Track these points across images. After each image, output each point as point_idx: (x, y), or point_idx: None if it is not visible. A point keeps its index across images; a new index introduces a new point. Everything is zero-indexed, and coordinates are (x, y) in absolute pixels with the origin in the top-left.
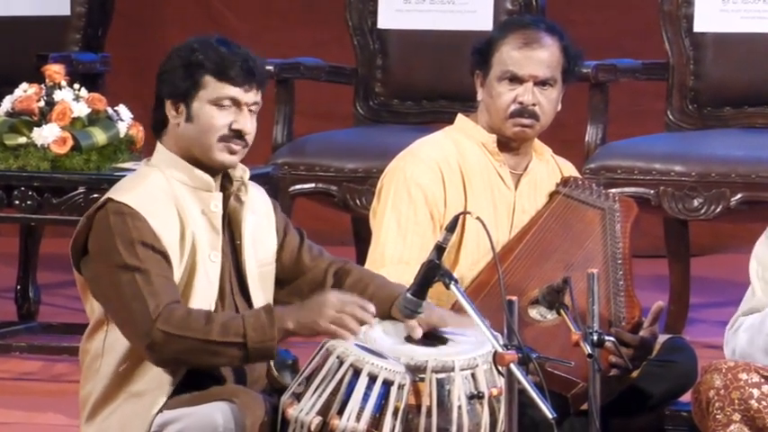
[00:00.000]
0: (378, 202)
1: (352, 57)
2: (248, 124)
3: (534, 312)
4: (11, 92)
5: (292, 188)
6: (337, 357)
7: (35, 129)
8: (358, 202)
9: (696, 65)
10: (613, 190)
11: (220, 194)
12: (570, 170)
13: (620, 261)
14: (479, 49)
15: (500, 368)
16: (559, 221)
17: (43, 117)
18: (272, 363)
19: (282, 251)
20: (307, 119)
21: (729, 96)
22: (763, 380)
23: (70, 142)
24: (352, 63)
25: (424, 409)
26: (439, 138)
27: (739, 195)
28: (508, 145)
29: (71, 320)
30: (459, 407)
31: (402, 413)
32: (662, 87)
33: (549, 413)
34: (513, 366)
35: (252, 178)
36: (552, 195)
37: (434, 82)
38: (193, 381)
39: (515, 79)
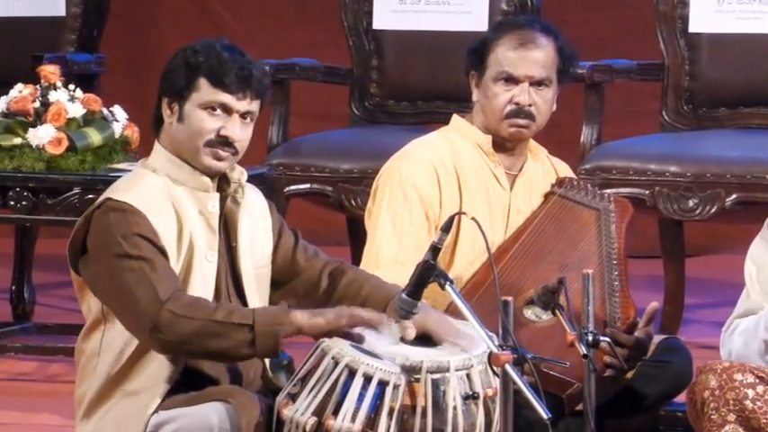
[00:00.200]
0: (373, 202)
1: (347, 57)
2: (236, 131)
3: (529, 313)
4: (6, 92)
5: (288, 189)
6: (332, 358)
7: (30, 129)
8: (353, 202)
9: (691, 65)
10: (608, 190)
11: (217, 195)
12: (565, 171)
13: (615, 262)
14: (475, 50)
15: (495, 369)
16: (554, 222)
17: (38, 118)
18: (267, 363)
19: (277, 252)
20: (302, 119)
21: (724, 97)
22: (758, 380)
23: (65, 143)
24: (348, 64)
25: (419, 410)
26: (434, 138)
27: (734, 196)
28: (503, 145)
29: (66, 321)
30: (455, 407)
31: (397, 413)
32: (657, 88)
33: (544, 414)
34: (508, 367)
35: (247, 179)
36: (547, 196)
37: (430, 82)
38: (189, 381)
39: (511, 80)
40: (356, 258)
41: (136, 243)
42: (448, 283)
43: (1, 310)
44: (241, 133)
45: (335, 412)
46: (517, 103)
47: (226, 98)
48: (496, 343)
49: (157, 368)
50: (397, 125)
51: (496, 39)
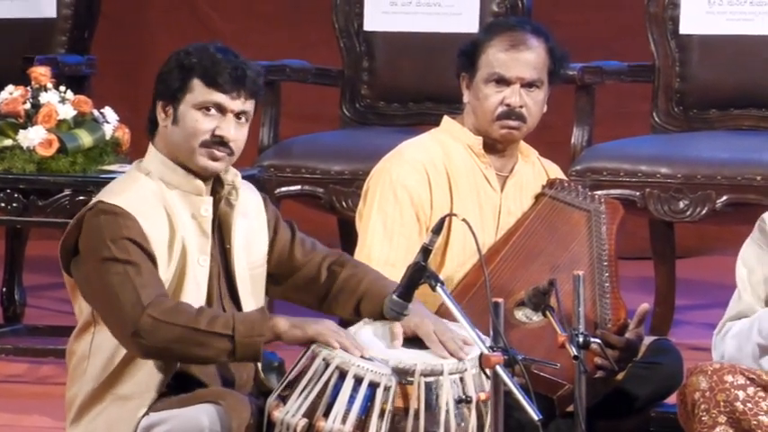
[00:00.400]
0: (364, 204)
1: (338, 59)
2: (231, 131)
3: (520, 314)
4: None
5: (278, 190)
6: (323, 359)
7: (21, 131)
8: (344, 204)
9: (682, 67)
10: (599, 192)
11: (210, 199)
12: (556, 172)
13: (605, 263)
14: (465, 52)
15: (486, 370)
16: (545, 223)
17: (29, 119)
18: (258, 365)
19: (274, 247)
20: (293, 121)
21: (715, 98)
22: (748, 382)
23: (56, 144)
24: (339, 65)
25: (411, 412)
26: (425, 140)
27: (725, 197)
28: (494, 147)
29: (57, 323)
30: (447, 411)
31: (388, 415)
32: (648, 89)
33: (534, 415)
34: (498, 368)
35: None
36: (538, 197)
37: (420, 84)
38: (180, 384)
39: (502, 81)
40: None
41: (124, 247)
42: (439, 284)
43: None
44: (236, 133)
45: (326, 414)
46: (508, 105)
47: (220, 98)
48: (487, 344)
49: (148, 373)
50: (387, 126)
51: (487, 40)
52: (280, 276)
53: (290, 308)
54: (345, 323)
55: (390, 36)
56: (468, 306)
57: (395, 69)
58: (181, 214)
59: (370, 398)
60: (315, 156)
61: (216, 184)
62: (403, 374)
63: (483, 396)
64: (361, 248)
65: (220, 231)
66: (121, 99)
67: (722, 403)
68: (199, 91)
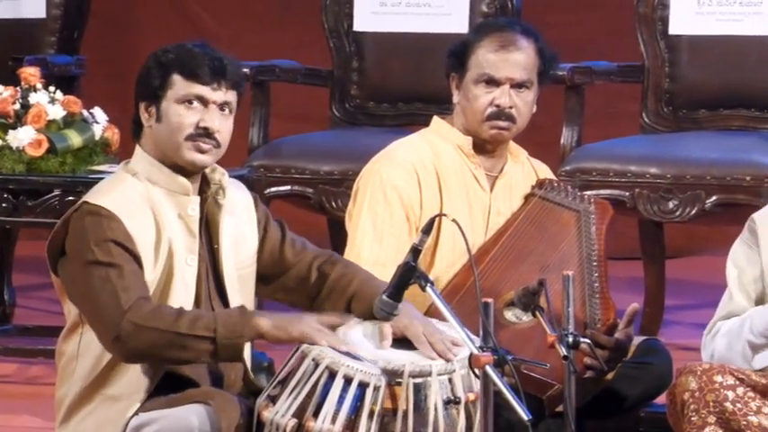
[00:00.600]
0: (354, 204)
1: (328, 59)
2: (216, 122)
3: (510, 314)
4: None
5: (268, 190)
6: (313, 359)
7: (10, 131)
8: (334, 204)
9: (671, 67)
10: (588, 192)
11: (197, 198)
12: (545, 172)
13: (595, 263)
14: (455, 52)
15: (476, 370)
16: (535, 224)
17: (18, 119)
18: (248, 365)
19: (264, 247)
20: (282, 121)
21: (704, 99)
22: (738, 382)
23: (45, 145)
24: (328, 65)
25: (400, 413)
26: (414, 140)
27: (714, 197)
28: (484, 147)
29: (47, 323)
30: (436, 412)
31: (378, 416)
32: (637, 90)
33: (524, 415)
34: (488, 368)
35: (230, 178)
36: (528, 197)
37: (410, 84)
38: (169, 384)
39: (492, 82)
40: None
41: (107, 249)
42: (428, 284)
43: None
44: (221, 124)
45: (316, 414)
46: (498, 106)
47: (201, 89)
48: (477, 344)
49: (137, 374)
50: (377, 127)
51: (477, 41)
52: (270, 276)
53: (281, 308)
54: None
55: (380, 36)
56: (457, 306)
57: (384, 70)
58: (167, 214)
59: (359, 398)
60: (304, 156)
61: (203, 183)
62: (392, 375)
63: (472, 397)
64: (350, 248)
65: (208, 231)
66: (111, 99)
67: (712, 403)
68: (180, 85)
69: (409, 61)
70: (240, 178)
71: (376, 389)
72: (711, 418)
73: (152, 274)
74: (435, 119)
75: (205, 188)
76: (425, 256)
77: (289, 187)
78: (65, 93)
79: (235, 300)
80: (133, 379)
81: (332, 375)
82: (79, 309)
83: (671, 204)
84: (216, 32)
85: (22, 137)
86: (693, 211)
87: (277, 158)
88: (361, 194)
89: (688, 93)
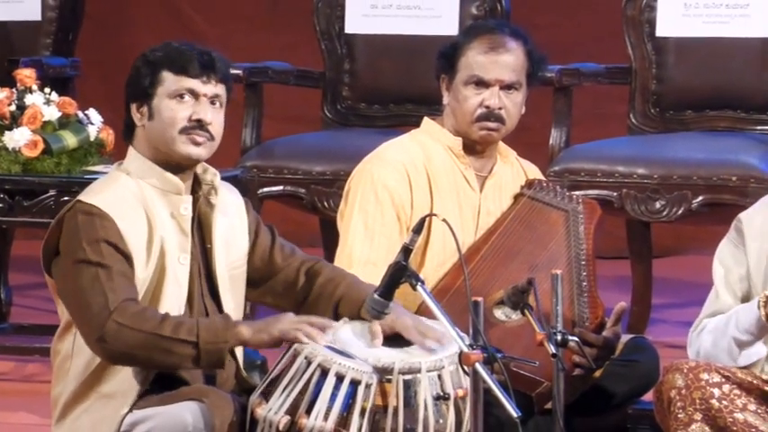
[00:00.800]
0: (345, 204)
1: (320, 61)
2: (208, 114)
3: (499, 313)
4: None
5: (261, 191)
6: (305, 358)
7: (6, 132)
8: (326, 204)
9: (658, 69)
10: (577, 192)
11: (190, 198)
12: (534, 173)
13: (583, 262)
14: (445, 54)
15: (466, 368)
16: (524, 223)
17: (14, 121)
18: (240, 363)
19: (254, 251)
20: (275, 122)
21: (691, 100)
22: (723, 380)
23: (41, 145)
24: (320, 67)
25: (390, 410)
26: (405, 141)
27: (701, 198)
28: (473, 148)
29: (42, 321)
30: (426, 407)
31: (369, 413)
32: (625, 91)
33: (513, 412)
34: (478, 366)
35: (223, 181)
36: (517, 197)
37: (401, 86)
38: (163, 382)
39: (482, 83)
40: (329, 259)
41: (99, 249)
42: (419, 283)
43: None
44: (213, 117)
45: (308, 411)
46: (487, 107)
47: (191, 83)
48: (467, 342)
49: (131, 371)
50: (368, 128)
51: (467, 43)
52: (258, 280)
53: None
54: None
55: (371, 39)
56: (447, 305)
57: (375, 71)
58: (160, 213)
59: (351, 395)
60: (297, 157)
61: (195, 183)
62: (382, 372)
63: (461, 392)
64: (342, 248)
65: (200, 231)
66: (105, 101)
67: (698, 401)
68: (170, 81)
69: (400, 63)
70: (233, 179)
71: (367, 386)
72: (698, 415)
73: (144, 273)
74: (426, 120)
75: (197, 188)
76: (416, 256)
77: (281, 187)
78: (60, 94)
79: (227, 299)
80: (127, 376)
81: (324, 373)
82: (67, 306)
83: (658, 204)
84: (208, 34)
85: (18, 138)
86: (680, 211)
87: (270, 159)
88: (353, 194)
89: (675, 94)
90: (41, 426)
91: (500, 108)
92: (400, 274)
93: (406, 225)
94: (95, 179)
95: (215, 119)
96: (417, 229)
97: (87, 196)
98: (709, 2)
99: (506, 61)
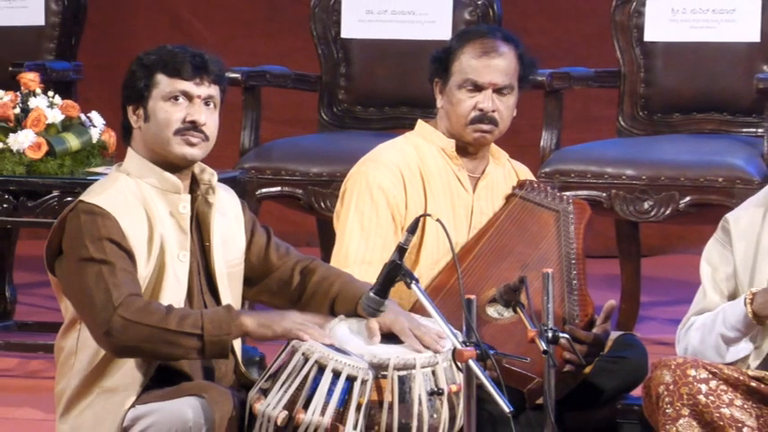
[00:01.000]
0: (341, 204)
1: (316, 65)
2: (202, 116)
3: (492, 311)
4: None
5: (259, 191)
6: (303, 354)
7: (11, 134)
8: (323, 204)
9: (647, 73)
10: (567, 193)
11: (188, 196)
12: (526, 174)
13: (573, 261)
14: (438, 58)
15: (459, 364)
16: (516, 223)
17: (19, 123)
18: (239, 359)
19: (250, 250)
20: (273, 125)
21: (678, 103)
22: (710, 376)
23: (45, 147)
24: (317, 71)
25: (385, 405)
26: (400, 143)
27: (688, 198)
28: (466, 150)
29: (46, 319)
30: (420, 402)
31: (365, 408)
32: (614, 94)
33: (506, 407)
34: (471, 362)
35: (220, 182)
36: (509, 198)
37: (396, 89)
38: (164, 377)
39: (475, 87)
40: (326, 258)
41: (102, 247)
42: (414, 281)
43: None
44: (207, 117)
45: (306, 406)
46: (481, 110)
47: (185, 85)
48: (460, 339)
49: (133, 366)
50: (364, 130)
51: (460, 47)
52: (254, 278)
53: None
54: None
55: (366, 43)
56: (441, 303)
57: (371, 75)
58: (159, 212)
59: (347, 391)
60: (294, 158)
61: (193, 183)
62: (378, 369)
63: (454, 388)
64: (339, 247)
65: (199, 229)
66: (106, 104)
67: (685, 396)
68: (164, 83)
69: (395, 67)
70: (232, 180)
71: (363, 382)
72: (685, 411)
73: (145, 270)
74: (420, 122)
75: (195, 188)
76: (410, 255)
77: (279, 188)
78: (63, 97)
79: (225, 294)
80: (128, 371)
81: (321, 369)
82: (72, 304)
83: (646, 205)
84: (207, 39)
85: (23, 140)
86: (668, 212)
87: (268, 161)
88: (349, 195)
89: (663, 97)
90: (45, 421)
91: (493, 111)
92: (395, 272)
93: (400, 225)
94: (98, 180)
95: (209, 119)
96: (412, 229)
97: (89, 196)
98: (696, 7)
99: (499, 65)
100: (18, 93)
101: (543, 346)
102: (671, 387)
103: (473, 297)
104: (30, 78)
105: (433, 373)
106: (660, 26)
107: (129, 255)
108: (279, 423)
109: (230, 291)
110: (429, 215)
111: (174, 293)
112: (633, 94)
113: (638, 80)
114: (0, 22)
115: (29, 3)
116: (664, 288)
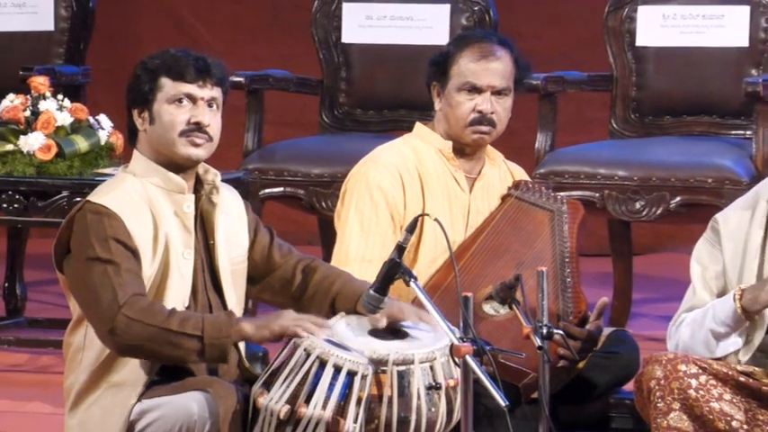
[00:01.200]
0: (342, 204)
1: (318, 69)
2: (206, 117)
3: (488, 307)
4: None
5: (262, 192)
6: (304, 350)
7: (21, 136)
8: (324, 204)
9: (638, 77)
10: (561, 193)
11: (192, 196)
12: (521, 174)
13: (567, 259)
14: (437, 62)
15: (456, 360)
16: (511, 222)
17: (29, 126)
18: (243, 355)
19: (253, 249)
20: (275, 127)
21: (669, 106)
22: (700, 371)
23: (54, 149)
24: (318, 75)
25: (385, 399)
26: (398, 144)
27: (678, 198)
28: (463, 151)
29: (56, 316)
30: (419, 397)
31: (365, 402)
32: (606, 98)
33: (501, 401)
34: (468, 358)
35: (224, 183)
36: (504, 198)
37: (395, 92)
38: (169, 372)
39: (474, 89)
40: (327, 257)
41: (108, 246)
42: (412, 279)
43: None
44: (210, 119)
45: (307, 400)
46: (480, 112)
47: (189, 88)
48: (458, 336)
49: (139, 362)
50: (364, 132)
51: (458, 51)
52: (257, 277)
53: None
54: None
55: (366, 48)
56: (439, 301)
57: (371, 79)
58: (164, 212)
59: (348, 385)
60: (296, 160)
61: (197, 183)
62: (377, 364)
63: (452, 383)
64: (339, 246)
65: (203, 228)
66: (115, 107)
67: (676, 391)
68: (168, 86)
69: (394, 71)
70: (236, 181)
71: (363, 377)
72: (676, 405)
73: (150, 268)
74: (418, 125)
75: (199, 188)
76: (409, 253)
77: (282, 189)
78: (72, 101)
79: (229, 292)
80: (135, 367)
81: (322, 365)
82: (78, 302)
83: (638, 205)
84: (211, 44)
85: (33, 142)
86: (659, 211)
87: (271, 162)
88: (349, 195)
89: (654, 100)
90: (55, 414)
91: (492, 112)
92: (394, 270)
93: (399, 224)
94: (105, 181)
95: (212, 121)
96: (410, 229)
97: (96, 197)
98: (686, 13)
99: (497, 68)
100: (28, 96)
101: (538, 342)
102: (662, 382)
103: (470, 294)
104: (40, 82)
105: (431, 368)
106: (651, 31)
107: (135, 254)
108: (281, 417)
109: (234, 288)
110: (427, 215)
111: (178, 290)
112: (625, 97)
113: (630, 84)
114: (11, 28)
115: (39, 9)
116: (655, 286)
